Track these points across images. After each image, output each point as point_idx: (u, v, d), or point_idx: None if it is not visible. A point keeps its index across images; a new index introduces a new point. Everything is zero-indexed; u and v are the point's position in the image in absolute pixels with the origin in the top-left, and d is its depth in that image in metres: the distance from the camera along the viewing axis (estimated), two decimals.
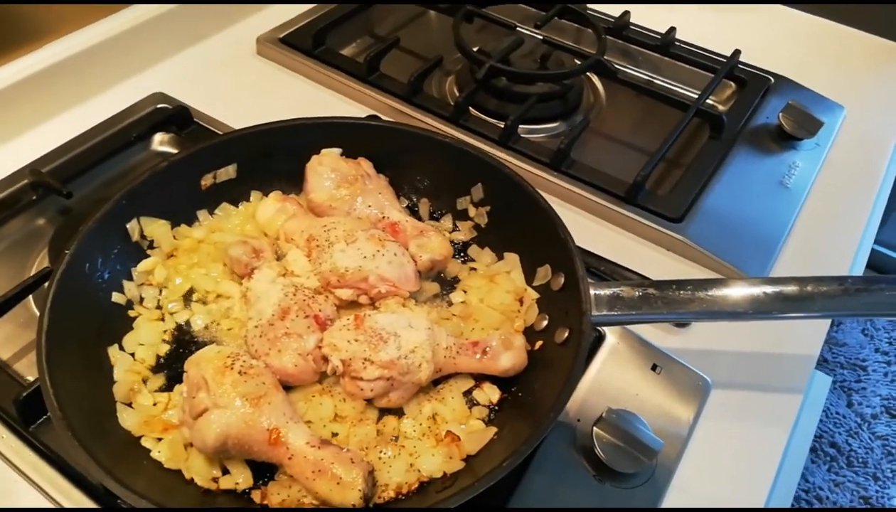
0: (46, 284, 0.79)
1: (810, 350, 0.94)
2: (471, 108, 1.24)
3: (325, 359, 0.78)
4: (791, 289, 0.76)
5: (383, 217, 0.93)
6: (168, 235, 0.91)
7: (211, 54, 1.34)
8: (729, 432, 0.85)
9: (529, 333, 0.85)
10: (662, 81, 1.38)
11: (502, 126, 1.16)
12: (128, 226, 0.88)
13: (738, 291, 0.76)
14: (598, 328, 0.90)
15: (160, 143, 1.18)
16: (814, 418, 0.96)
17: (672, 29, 1.36)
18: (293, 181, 0.98)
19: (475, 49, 1.29)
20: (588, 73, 1.36)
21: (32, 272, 0.97)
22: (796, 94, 1.29)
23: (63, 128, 1.15)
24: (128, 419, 0.76)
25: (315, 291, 0.85)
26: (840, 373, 2.49)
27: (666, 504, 0.79)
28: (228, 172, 0.96)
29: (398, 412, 0.79)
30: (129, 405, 0.78)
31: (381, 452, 0.73)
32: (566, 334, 0.78)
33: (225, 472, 0.73)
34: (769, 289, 0.76)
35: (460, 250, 0.96)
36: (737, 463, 0.83)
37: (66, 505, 0.74)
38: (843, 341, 2.62)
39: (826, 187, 1.16)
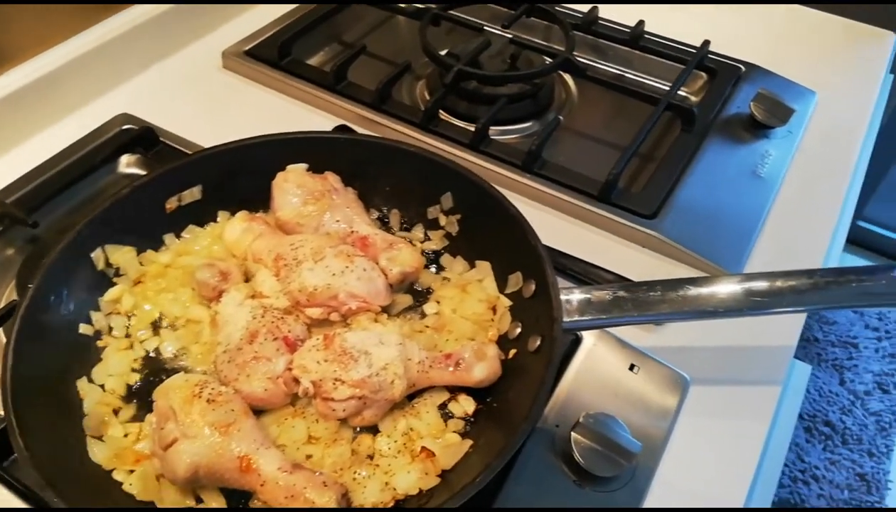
0: (11, 320, 0.78)
1: (788, 340, 0.93)
2: (442, 112, 1.23)
3: (296, 381, 0.77)
4: (761, 285, 0.75)
5: (352, 231, 0.92)
6: (134, 262, 0.90)
7: (176, 71, 1.32)
8: (709, 428, 0.85)
9: (503, 341, 0.84)
10: (634, 75, 1.37)
11: (472, 130, 1.16)
12: (92, 255, 0.87)
13: (707, 290, 0.76)
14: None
15: (127, 164, 1.16)
16: (795, 408, 0.96)
17: (641, 22, 1.35)
18: (260, 200, 0.97)
19: (444, 52, 1.28)
20: (559, 71, 1.35)
21: (1, 304, 0.96)
22: (767, 82, 1.29)
23: (27, 156, 1.13)
24: (98, 453, 0.75)
25: (285, 312, 0.84)
26: (831, 351, 2.50)
27: (647, 504, 0.78)
28: (193, 194, 0.95)
29: (373, 430, 0.78)
30: (100, 438, 0.77)
31: (355, 472, 0.73)
32: (538, 342, 0.78)
33: (199, 500, 0.72)
34: (739, 287, 0.75)
35: (433, 260, 0.95)
36: (718, 458, 0.83)
37: None
38: (834, 320, 2.62)
39: (800, 175, 1.16)
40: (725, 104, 1.25)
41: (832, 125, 1.26)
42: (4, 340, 0.90)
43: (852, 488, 2.14)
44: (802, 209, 1.11)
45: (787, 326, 0.94)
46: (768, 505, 0.86)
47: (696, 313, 0.75)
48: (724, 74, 1.31)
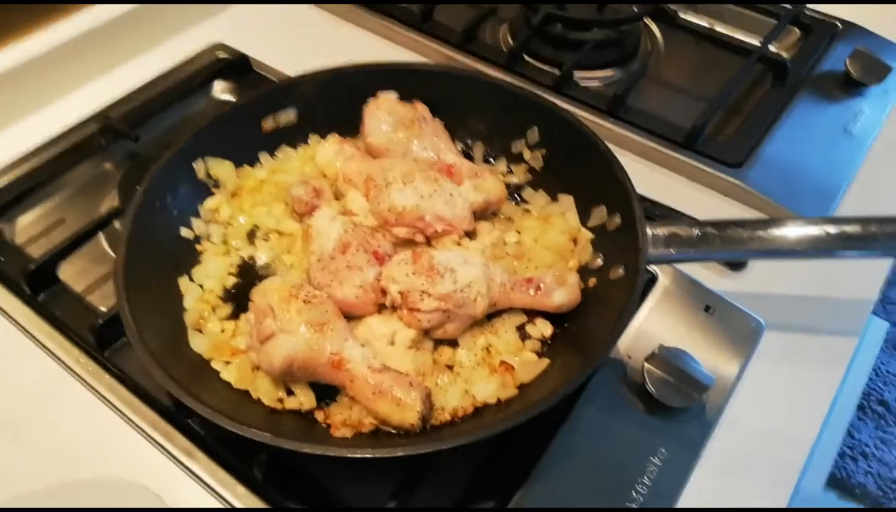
0: (123, 218, 0.83)
1: (868, 294, 0.92)
2: (525, 55, 1.23)
3: (384, 291, 0.80)
4: (853, 228, 0.75)
5: (439, 159, 0.94)
6: (232, 175, 0.94)
7: (268, 4, 1.36)
8: (780, 374, 0.85)
9: (583, 271, 0.86)
10: (723, 28, 1.34)
11: (557, 73, 1.16)
12: (194, 165, 0.92)
13: (798, 230, 0.75)
14: (651, 269, 0.90)
15: (220, 90, 1.21)
16: (868, 363, 0.95)
17: None
18: (350, 124, 1.00)
19: None
20: (647, 19, 1.33)
21: (102, 212, 1.02)
22: (864, 40, 1.24)
23: (129, 76, 1.19)
24: (199, 344, 0.80)
25: (373, 230, 0.87)
26: (892, 331, 2.43)
27: (713, 439, 0.79)
28: (289, 116, 0.99)
29: (453, 343, 0.81)
30: (199, 331, 0.82)
31: (437, 378, 0.76)
32: (621, 272, 0.79)
33: (290, 393, 0.77)
34: (831, 228, 0.75)
35: (514, 193, 0.97)
36: (786, 403, 0.83)
37: (141, 424, 0.79)
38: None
39: (893, 135, 1.13)
40: (819, 61, 1.21)
41: None
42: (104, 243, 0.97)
43: None
44: (893, 169, 1.08)
45: (868, 278, 0.93)
46: (831, 458, 0.86)
47: (785, 252, 0.75)
48: (820, 31, 1.27)
